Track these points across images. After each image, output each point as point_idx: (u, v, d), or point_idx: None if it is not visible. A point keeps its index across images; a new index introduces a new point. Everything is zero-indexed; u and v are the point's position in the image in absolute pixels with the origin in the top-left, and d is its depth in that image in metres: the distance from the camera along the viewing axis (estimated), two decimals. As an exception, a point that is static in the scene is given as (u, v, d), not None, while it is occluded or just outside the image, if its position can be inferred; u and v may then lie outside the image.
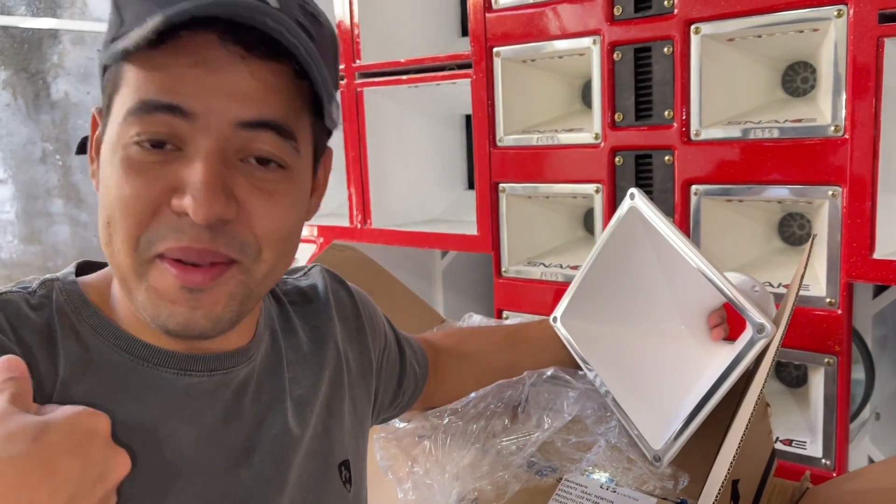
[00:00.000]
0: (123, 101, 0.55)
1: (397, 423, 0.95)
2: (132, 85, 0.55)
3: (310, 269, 0.85)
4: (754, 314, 0.75)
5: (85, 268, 0.66)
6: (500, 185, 1.46)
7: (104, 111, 0.59)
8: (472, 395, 0.96)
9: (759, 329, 0.75)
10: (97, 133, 0.61)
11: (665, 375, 0.89)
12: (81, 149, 0.66)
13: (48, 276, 0.63)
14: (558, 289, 1.41)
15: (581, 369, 0.97)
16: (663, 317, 0.92)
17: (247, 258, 0.58)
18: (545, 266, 1.45)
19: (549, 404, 0.93)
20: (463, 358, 0.98)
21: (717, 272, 0.80)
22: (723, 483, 0.65)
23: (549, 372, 0.98)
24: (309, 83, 0.57)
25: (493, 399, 0.96)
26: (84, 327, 0.60)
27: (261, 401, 0.67)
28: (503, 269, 1.50)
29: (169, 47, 0.53)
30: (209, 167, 0.54)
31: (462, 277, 1.92)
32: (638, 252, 0.91)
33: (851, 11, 1.04)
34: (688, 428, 0.79)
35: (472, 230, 1.53)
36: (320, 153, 0.67)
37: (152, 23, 0.50)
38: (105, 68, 0.58)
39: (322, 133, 0.65)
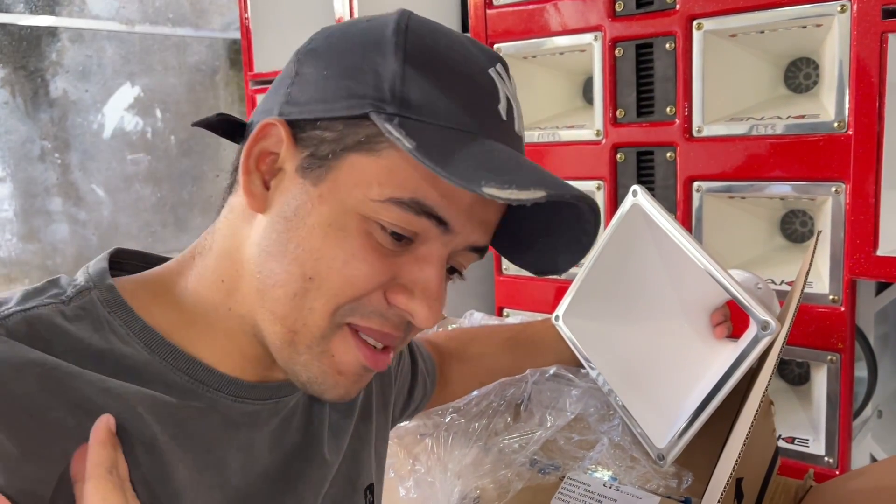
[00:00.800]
0: (382, 179, 0.52)
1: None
2: (406, 175, 0.52)
3: None
4: (758, 311, 0.75)
5: (116, 256, 0.61)
6: (501, 182, 1.46)
7: (317, 150, 0.54)
8: (475, 393, 0.96)
9: (764, 326, 0.74)
10: (267, 144, 0.55)
11: (668, 373, 0.89)
12: (211, 126, 0.60)
13: (81, 282, 0.56)
14: (559, 286, 1.40)
15: (584, 368, 0.96)
16: (666, 315, 0.92)
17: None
18: (546, 263, 1.44)
19: (551, 402, 0.92)
20: (467, 361, 0.98)
21: (721, 269, 0.79)
22: (727, 482, 0.65)
23: (552, 370, 0.97)
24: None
25: (495, 397, 0.95)
26: (134, 341, 0.55)
27: (302, 430, 0.66)
28: (504, 267, 1.49)
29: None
30: (442, 276, 0.56)
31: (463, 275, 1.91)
32: (640, 249, 0.90)
33: (855, 7, 1.03)
34: (692, 426, 0.79)
35: (473, 227, 1.52)
36: None
37: (536, 195, 0.48)
38: (346, 112, 0.53)
39: None
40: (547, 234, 0.61)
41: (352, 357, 0.56)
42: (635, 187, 0.87)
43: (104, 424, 0.48)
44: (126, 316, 0.55)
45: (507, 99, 0.57)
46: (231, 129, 0.61)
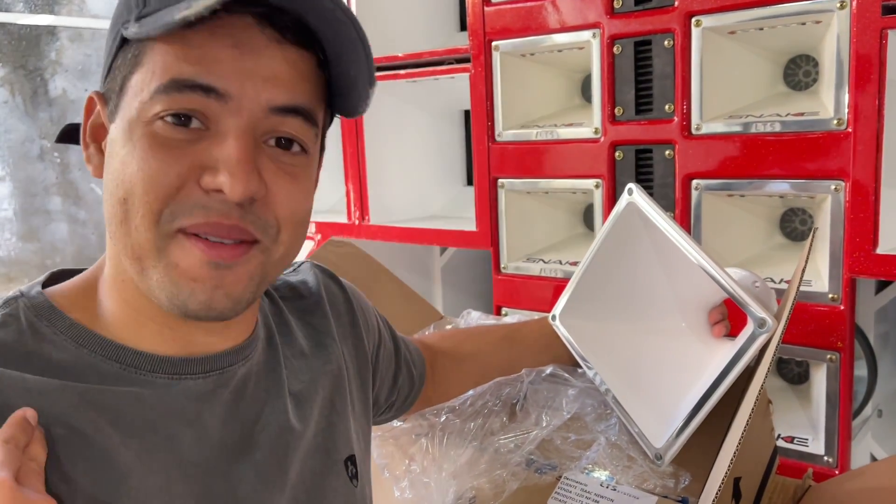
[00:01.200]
0: (147, 80, 0.54)
1: (395, 422, 0.94)
2: (161, 64, 0.54)
3: (299, 266, 0.84)
4: (755, 309, 0.74)
5: (57, 278, 0.64)
6: (499, 180, 1.45)
7: (115, 92, 0.57)
8: (470, 392, 0.95)
9: (761, 324, 0.74)
10: (93, 117, 0.60)
11: (665, 373, 0.88)
12: (64, 137, 0.64)
13: (9, 294, 0.60)
14: (558, 285, 1.40)
15: (580, 367, 0.96)
16: (663, 313, 0.91)
17: (267, 238, 0.58)
18: (544, 262, 1.44)
19: (547, 402, 0.92)
20: (462, 360, 0.97)
21: (717, 267, 0.79)
22: (723, 481, 0.64)
23: (548, 370, 0.97)
24: (327, 74, 0.59)
25: (490, 397, 0.95)
26: (61, 339, 0.57)
27: (259, 399, 0.66)
28: (502, 266, 1.49)
29: (204, 28, 0.52)
30: (244, 145, 0.54)
31: (461, 274, 1.91)
32: (637, 248, 0.90)
33: (854, 3, 1.02)
34: (689, 426, 0.78)
35: (471, 226, 1.52)
36: (324, 145, 0.67)
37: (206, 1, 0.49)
38: (117, 49, 0.57)
39: (327, 124, 0.65)
40: (348, 67, 0.59)
41: (194, 259, 0.55)
42: (631, 185, 0.86)
43: (19, 414, 0.50)
44: (53, 317, 0.58)
45: None
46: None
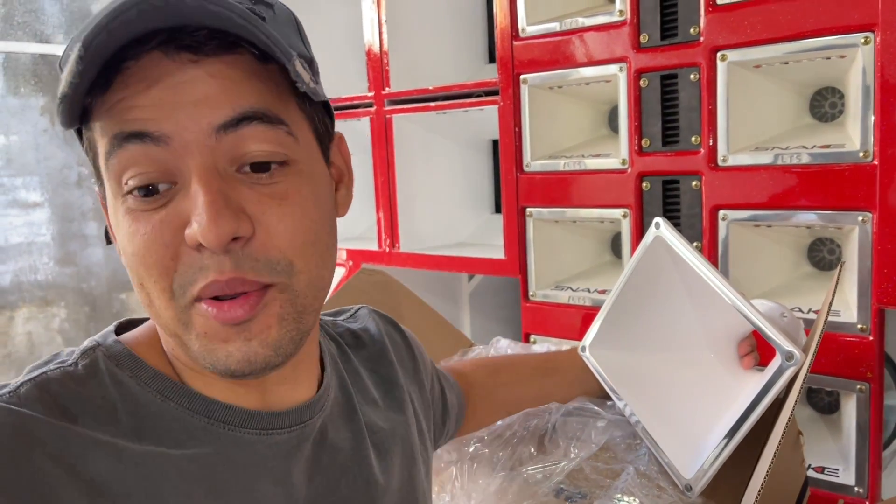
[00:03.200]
0: (101, 155, 0.52)
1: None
2: (101, 134, 0.51)
3: (357, 311, 0.83)
4: (782, 342, 0.76)
5: (126, 327, 0.62)
6: (528, 209, 1.48)
7: (98, 183, 0.55)
8: (499, 423, 0.97)
9: (788, 357, 0.75)
10: (106, 212, 0.57)
11: (695, 404, 0.89)
12: (108, 238, 0.61)
13: (85, 344, 0.57)
14: (586, 313, 1.41)
15: (609, 399, 0.97)
16: (692, 345, 0.92)
17: (280, 276, 0.53)
18: (573, 290, 1.46)
19: (576, 434, 0.93)
20: (494, 391, 0.98)
21: (744, 301, 0.80)
22: (753, 513, 0.65)
23: (577, 403, 0.98)
24: (275, 62, 0.52)
25: (519, 427, 0.96)
26: (145, 391, 0.55)
27: (341, 449, 0.65)
28: (530, 293, 1.50)
29: (119, 83, 0.50)
30: (205, 184, 0.50)
31: (489, 301, 1.93)
32: (665, 281, 0.91)
33: (878, 38, 1.04)
34: (719, 458, 0.79)
35: (500, 254, 1.54)
36: (326, 137, 0.61)
37: (73, 53, 0.46)
38: (80, 141, 0.55)
39: (317, 114, 0.59)
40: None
41: (213, 324, 0.52)
42: (658, 219, 0.88)
43: None
44: (135, 366, 0.56)
45: None
46: None
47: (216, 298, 0.52)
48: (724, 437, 0.79)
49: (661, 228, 0.88)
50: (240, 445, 0.57)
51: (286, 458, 0.59)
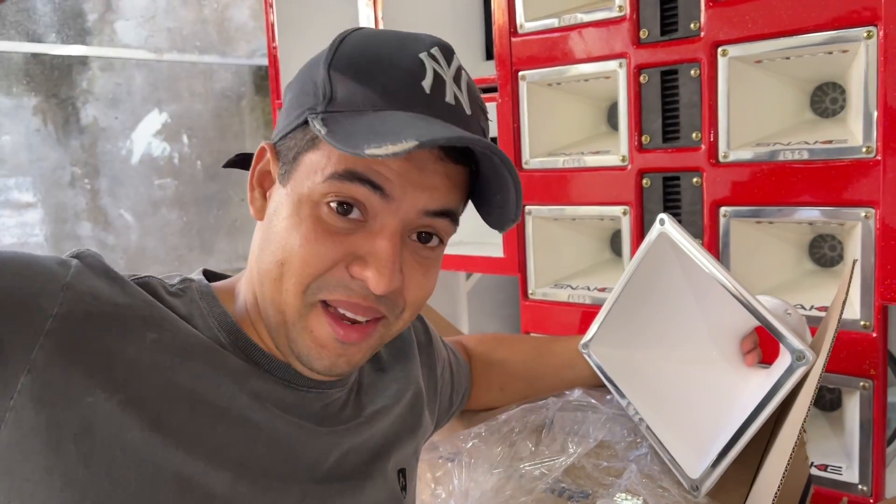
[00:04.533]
0: (322, 164, 0.61)
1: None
2: (338, 155, 0.60)
3: None
4: (793, 341, 0.75)
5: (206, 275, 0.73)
6: (527, 207, 1.47)
7: (289, 160, 0.64)
8: (497, 418, 0.96)
9: (799, 356, 0.74)
10: (262, 164, 0.68)
11: (699, 402, 0.88)
12: (233, 163, 0.75)
13: (188, 275, 0.70)
14: (586, 311, 1.40)
15: (607, 392, 0.96)
16: (695, 342, 0.92)
17: (392, 316, 0.65)
18: (572, 288, 1.45)
19: (574, 429, 0.92)
20: (491, 366, 1.02)
21: (752, 297, 0.79)
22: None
23: (575, 396, 0.98)
24: (478, 183, 0.65)
25: (517, 423, 0.95)
26: (212, 322, 0.66)
27: (342, 421, 0.73)
28: (530, 292, 1.49)
29: None
30: (394, 246, 0.61)
31: (487, 299, 1.92)
32: (668, 277, 0.90)
33: (881, 33, 1.03)
34: (726, 458, 0.78)
35: (498, 252, 1.53)
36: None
37: (405, 144, 0.53)
38: (298, 125, 0.63)
39: None
40: (496, 190, 0.65)
41: (325, 331, 0.63)
42: (662, 216, 0.87)
43: None
44: (213, 303, 0.67)
45: (436, 74, 0.63)
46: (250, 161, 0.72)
47: (335, 312, 0.62)
48: (732, 438, 0.78)
49: (665, 225, 0.87)
50: (265, 386, 0.65)
51: (299, 406, 0.68)
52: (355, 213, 0.61)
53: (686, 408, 0.90)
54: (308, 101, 0.62)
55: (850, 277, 0.78)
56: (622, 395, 0.93)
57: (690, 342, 0.92)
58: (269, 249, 0.64)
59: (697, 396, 0.90)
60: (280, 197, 0.64)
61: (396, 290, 0.63)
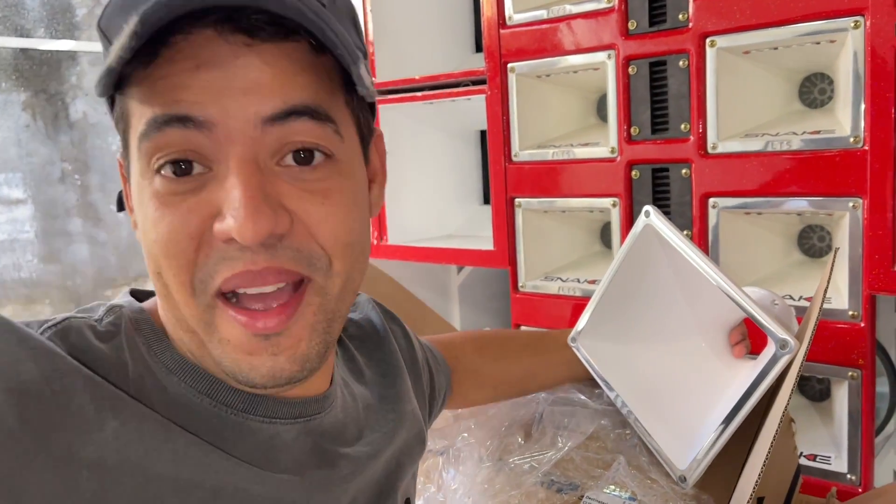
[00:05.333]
0: (135, 132, 0.49)
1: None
2: (138, 110, 0.48)
3: (356, 300, 0.82)
4: (776, 330, 0.75)
5: (137, 295, 0.59)
6: (516, 199, 1.46)
7: (124, 154, 0.53)
8: (487, 412, 0.96)
9: (782, 345, 0.74)
10: (126, 182, 0.55)
11: (687, 394, 0.88)
12: (120, 205, 0.58)
13: (113, 302, 0.56)
14: (576, 303, 1.40)
15: (597, 387, 0.96)
16: (683, 334, 0.92)
17: (318, 273, 0.51)
18: (562, 281, 1.44)
19: (563, 423, 0.92)
20: (482, 365, 0.98)
21: (736, 288, 0.79)
22: (747, 502, 0.64)
23: (564, 390, 0.98)
24: (331, 56, 0.49)
25: (507, 417, 0.95)
26: (158, 364, 0.53)
27: (336, 450, 0.62)
28: (520, 284, 1.49)
29: (164, 58, 0.46)
30: (244, 178, 0.47)
31: (478, 292, 1.92)
32: (655, 269, 0.90)
33: (868, 22, 1.03)
34: (713, 448, 0.79)
35: (489, 245, 1.53)
36: (367, 135, 0.59)
37: (128, 27, 0.43)
38: (112, 107, 0.52)
39: (362, 111, 0.57)
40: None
41: (239, 332, 0.50)
42: (647, 208, 0.87)
43: None
44: (151, 335, 0.54)
45: None
46: None
47: (241, 306, 0.50)
48: (718, 428, 0.79)
49: (650, 217, 0.87)
50: (243, 432, 0.54)
51: (282, 450, 0.56)
52: (198, 169, 0.48)
53: (674, 399, 0.90)
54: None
55: (832, 266, 0.78)
56: (610, 388, 0.93)
57: (679, 334, 0.93)
58: (148, 267, 0.51)
59: (685, 388, 0.90)
60: (132, 198, 0.53)
61: (296, 233, 0.49)
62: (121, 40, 0.43)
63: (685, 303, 0.90)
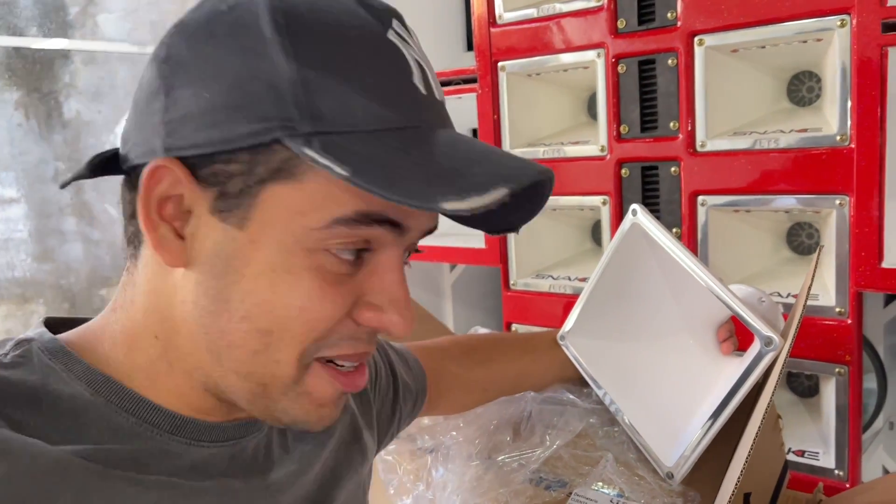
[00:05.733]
0: (311, 202, 0.46)
1: (399, 436, 0.95)
2: (335, 191, 0.46)
3: None
4: (761, 327, 0.75)
5: (54, 325, 0.56)
6: (507, 198, 1.46)
7: (227, 189, 0.47)
8: (475, 411, 0.96)
9: (767, 342, 0.75)
10: (163, 189, 0.48)
11: (675, 391, 0.89)
12: (97, 171, 0.54)
13: (20, 336, 0.53)
14: (567, 301, 1.41)
15: (586, 386, 0.97)
16: (671, 332, 0.92)
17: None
18: (553, 279, 1.45)
19: (552, 422, 0.93)
20: (470, 369, 0.97)
21: (722, 286, 0.80)
22: (731, 496, 0.65)
23: (553, 392, 0.98)
24: None
25: (495, 416, 0.96)
26: (77, 385, 0.50)
27: (268, 471, 0.60)
28: (511, 282, 1.50)
29: None
30: (404, 280, 0.52)
31: (471, 290, 1.92)
32: (643, 268, 0.91)
33: (854, 21, 1.04)
34: (699, 445, 0.79)
35: (480, 243, 1.53)
36: None
37: (497, 194, 0.43)
38: (252, 145, 0.46)
39: None
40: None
41: (330, 389, 0.52)
42: (634, 206, 0.88)
43: None
44: (67, 360, 0.51)
45: (417, 63, 0.50)
46: (105, 163, 0.54)
47: (330, 362, 0.53)
48: (705, 425, 0.79)
49: (637, 215, 0.88)
50: (165, 454, 0.52)
51: (204, 475, 0.54)
52: (364, 253, 0.50)
53: (662, 397, 0.90)
54: (266, 111, 0.44)
55: (816, 263, 0.79)
56: (599, 386, 0.93)
57: (666, 331, 0.93)
58: (236, 314, 0.48)
59: (673, 385, 0.90)
60: (232, 243, 0.48)
61: None
62: (476, 201, 0.43)
63: (673, 300, 0.91)
